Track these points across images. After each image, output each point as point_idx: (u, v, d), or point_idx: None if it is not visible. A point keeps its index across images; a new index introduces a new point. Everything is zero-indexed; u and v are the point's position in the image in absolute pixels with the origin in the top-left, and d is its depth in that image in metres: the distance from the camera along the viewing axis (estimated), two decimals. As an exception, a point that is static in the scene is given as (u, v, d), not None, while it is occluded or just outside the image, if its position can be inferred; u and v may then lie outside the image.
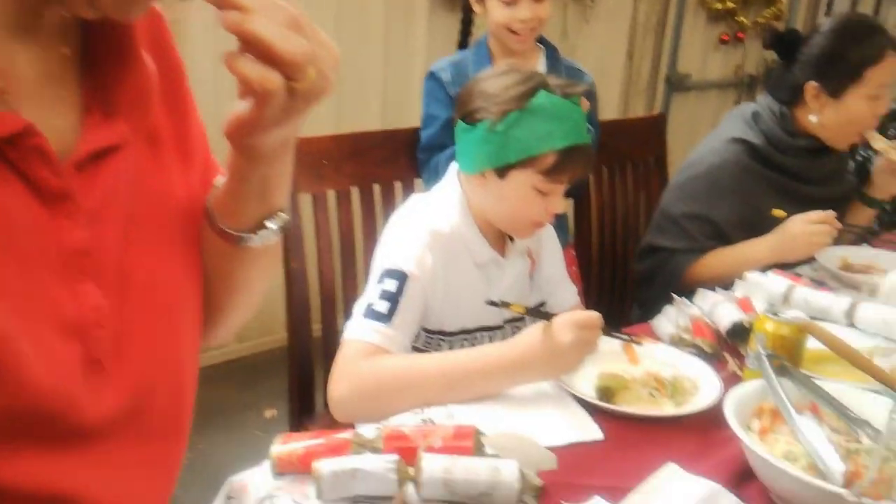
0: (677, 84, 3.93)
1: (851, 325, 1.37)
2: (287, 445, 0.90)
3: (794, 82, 1.71)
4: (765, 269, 1.57)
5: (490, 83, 1.25)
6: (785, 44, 1.74)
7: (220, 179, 0.71)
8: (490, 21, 1.79)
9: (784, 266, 1.64)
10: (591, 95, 1.96)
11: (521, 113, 1.19)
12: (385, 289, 1.19)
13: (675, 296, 1.43)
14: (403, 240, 1.26)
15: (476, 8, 1.84)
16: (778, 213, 1.63)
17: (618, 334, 1.19)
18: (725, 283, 1.62)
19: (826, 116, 1.69)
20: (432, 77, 1.79)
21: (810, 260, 1.72)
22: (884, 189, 1.88)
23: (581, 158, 1.24)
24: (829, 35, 1.68)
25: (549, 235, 1.47)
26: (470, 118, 1.25)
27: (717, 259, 1.71)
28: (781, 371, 1.02)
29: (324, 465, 0.85)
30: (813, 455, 0.86)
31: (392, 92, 2.88)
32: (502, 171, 1.23)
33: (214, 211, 0.70)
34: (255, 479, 0.91)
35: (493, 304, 1.20)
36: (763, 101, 1.79)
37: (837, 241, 1.86)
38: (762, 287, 1.49)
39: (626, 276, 2.10)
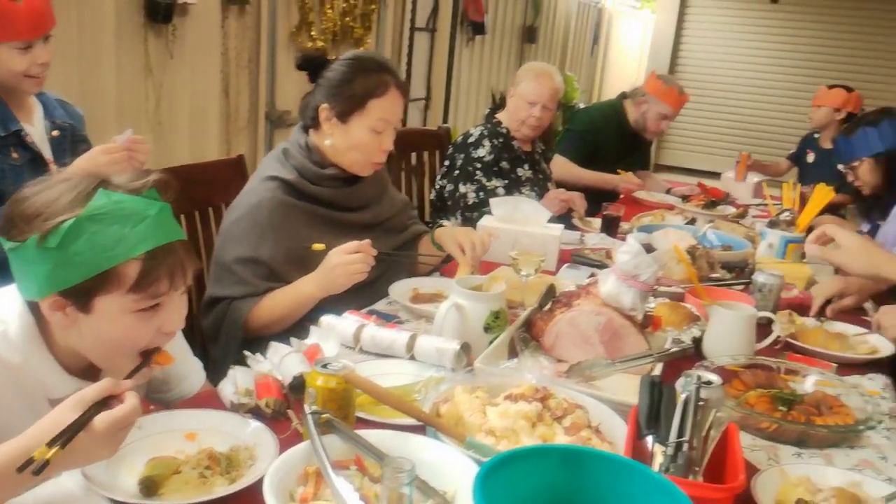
0: (278, 121, 3.96)
1: (413, 357, 1.46)
2: None
3: (314, 104, 1.81)
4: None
5: (35, 199, 1.02)
6: (314, 67, 1.84)
7: None
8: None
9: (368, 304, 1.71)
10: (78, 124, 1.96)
11: (77, 221, 0.98)
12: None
13: (246, 353, 1.38)
14: None
15: None
16: (317, 247, 1.67)
17: None
18: (288, 324, 1.66)
19: (336, 140, 1.80)
20: None
21: (385, 295, 1.82)
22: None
23: (176, 260, 1.06)
24: (345, 63, 1.81)
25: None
26: (15, 236, 1.01)
27: (275, 300, 1.70)
28: (328, 427, 1.02)
29: None
30: (347, 515, 0.87)
31: None
32: (82, 302, 1.02)
33: None
34: None
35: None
36: (293, 137, 1.87)
37: (411, 270, 2.01)
38: (334, 330, 1.52)
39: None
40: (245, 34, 3.67)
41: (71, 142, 1.94)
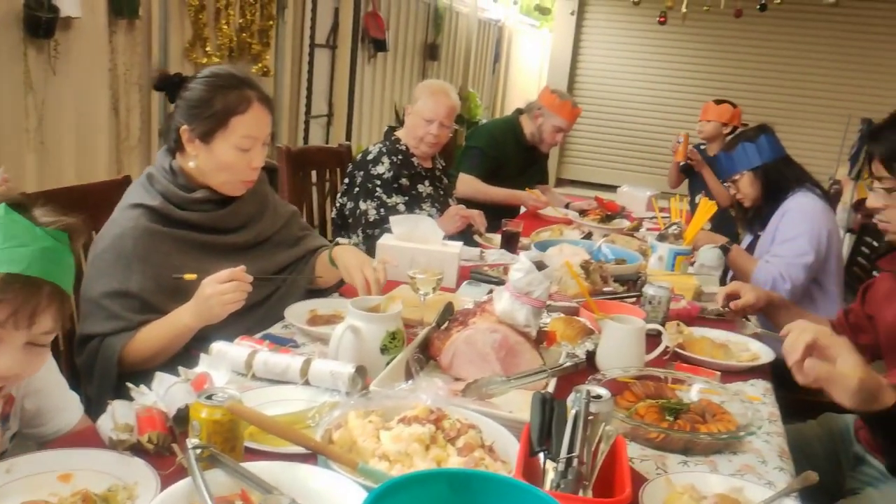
0: (173, 138, 3.84)
1: (307, 382, 1.43)
2: None
3: (175, 126, 1.73)
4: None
5: None
6: (170, 86, 1.76)
7: None
8: None
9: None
10: None
11: None
12: None
13: (130, 385, 1.32)
14: None
15: None
16: (188, 277, 1.59)
17: None
18: (167, 356, 1.59)
19: (201, 161, 1.72)
20: None
21: (280, 318, 1.78)
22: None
23: (33, 300, 1.00)
24: (202, 81, 1.72)
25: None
26: None
27: (150, 334, 1.60)
28: (212, 461, 0.98)
29: None
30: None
31: None
32: None
33: None
34: None
35: None
36: (157, 161, 1.79)
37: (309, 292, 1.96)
38: (226, 357, 1.47)
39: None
40: (135, 49, 3.54)
41: None
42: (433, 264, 1.88)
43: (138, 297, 1.62)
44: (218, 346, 1.49)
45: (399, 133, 2.97)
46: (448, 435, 1.15)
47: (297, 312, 1.80)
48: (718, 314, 2.07)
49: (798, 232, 2.49)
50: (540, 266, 1.54)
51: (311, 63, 5.02)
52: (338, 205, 2.90)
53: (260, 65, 4.34)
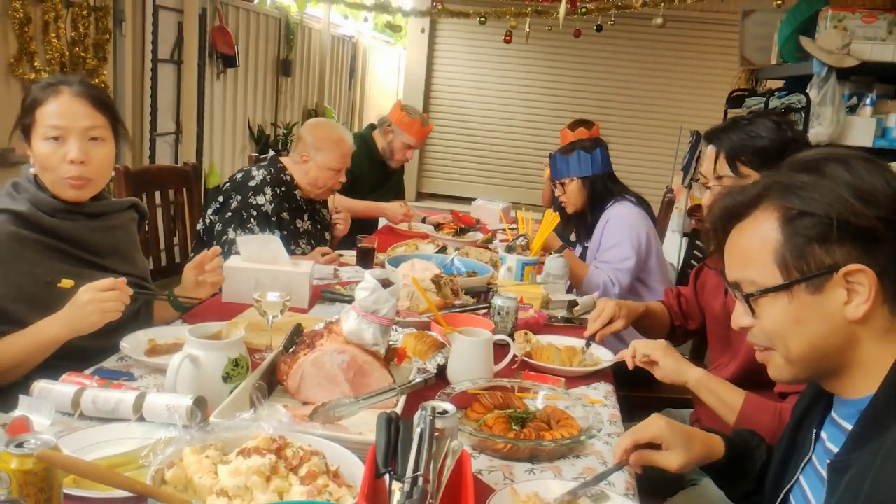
0: (1, 159, 3.53)
1: (141, 418, 1.34)
2: None
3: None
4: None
5: None
6: None
7: None
8: None
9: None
10: None
11: None
12: None
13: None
14: None
15: None
16: (65, 282, 1.57)
17: None
18: (24, 371, 1.54)
19: (36, 167, 1.70)
20: None
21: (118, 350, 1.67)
22: (194, 293, 1.91)
23: None
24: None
25: None
26: None
27: (8, 345, 1.54)
28: (20, 516, 0.90)
29: None
30: None
31: None
32: None
33: None
34: None
35: None
36: (23, 171, 1.76)
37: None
38: (49, 396, 1.35)
39: None
40: (-50, 64, 3.24)
41: None
42: (283, 286, 1.83)
43: None
44: (41, 385, 1.37)
45: (285, 161, 2.85)
46: (290, 464, 1.12)
47: (135, 343, 1.69)
48: (567, 320, 2.15)
49: (619, 239, 2.69)
50: (385, 284, 1.53)
51: (154, 79, 4.79)
52: (207, 221, 2.72)
53: (97, 80, 4.09)
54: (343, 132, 2.91)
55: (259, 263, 2.13)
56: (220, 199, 2.72)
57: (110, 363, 1.64)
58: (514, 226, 2.88)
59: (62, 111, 1.66)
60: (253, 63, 6.35)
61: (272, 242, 2.21)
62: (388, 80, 10.31)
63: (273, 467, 1.10)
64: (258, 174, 2.72)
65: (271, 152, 2.99)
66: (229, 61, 5.64)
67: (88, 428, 1.32)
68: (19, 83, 3.66)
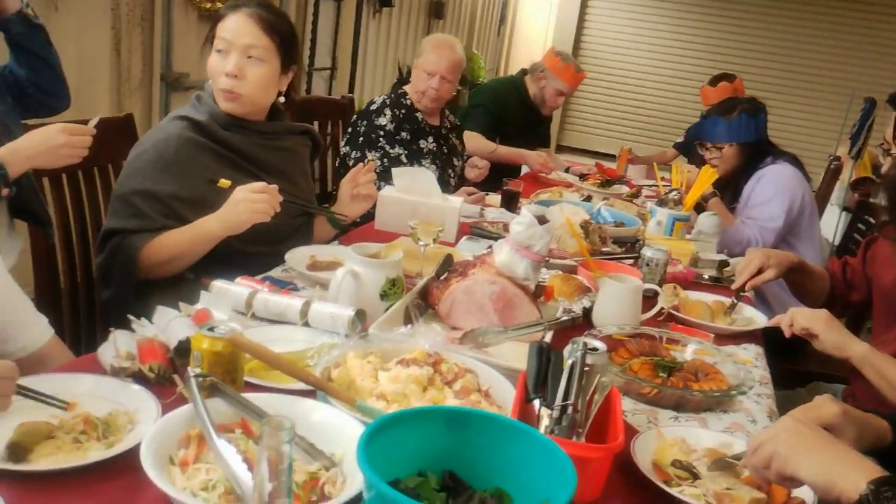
0: (174, 83, 3.78)
1: (307, 323, 1.44)
2: None
3: None
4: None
5: None
6: None
7: None
8: None
9: (259, 272, 1.68)
10: None
11: None
12: None
13: (131, 317, 1.33)
14: None
15: None
16: (223, 182, 1.68)
17: None
18: (183, 264, 1.69)
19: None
20: None
21: (282, 262, 1.79)
22: (347, 210, 2.01)
23: None
24: None
25: None
26: None
27: (173, 237, 1.68)
28: (213, 390, 1.00)
29: None
30: (230, 478, 0.85)
31: None
32: None
33: None
34: None
35: None
36: (207, 84, 1.87)
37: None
38: (226, 295, 1.48)
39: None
40: (138, -11, 3.48)
41: None
42: (434, 217, 1.88)
43: (166, 203, 1.70)
44: (219, 285, 1.50)
45: (407, 88, 2.96)
46: (445, 378, 1.17)
47: (298, 257, 1.80)
48: (715, 279, 2.09)
49: (770, 196, 2.57)
50: (541, 220, 1.54)
51: (315, 14, 4.94)
52: (341, 153, 2.88)
53: (264, 12, 4.26)
54: (451, 41, 2.97)
55: (412, 194, 2.19)
56: (350, 130, 2.87)
57: (276, 273, 1.76)
58: (666, 183, 2.79)
59: (231, 27, 1.77)
60: (407, 4, 6.41)
61: (425, 175, 2.26)
62: (536, 27, 10.12)
63: (430, 378, 1.15)
64: (378, 100, 2.90)
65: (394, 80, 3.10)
66: (385, 0, 5.72)
67: (258, 327, 1.43)
68: (196, 12, 3.89)
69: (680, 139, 4.73)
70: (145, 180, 1.70)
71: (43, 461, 0.93)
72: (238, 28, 1.77)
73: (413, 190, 2.22)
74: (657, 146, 7.43)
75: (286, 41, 1.85)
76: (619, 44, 8.04)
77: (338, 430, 1.00)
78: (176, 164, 1.72)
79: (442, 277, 1.61)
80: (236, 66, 1.76)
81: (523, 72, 3.83)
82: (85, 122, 1.68)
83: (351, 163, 2.80)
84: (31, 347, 1.27)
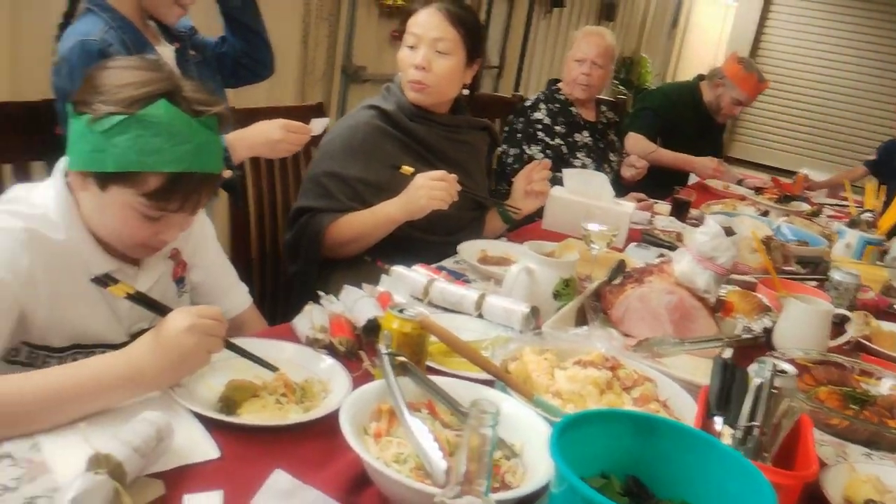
0: (353, 76, 3.97)
1: (480, 315, 1.47)
2: None
3: None
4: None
5: (110, 74, 1.07)
6: None
7: None
8: None
9: (432, 261, 1.73)
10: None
11: (128, 119, 1.03)
12: (-35, 295, 0.99)
13: (320, 293, 1.41)
14: None
15: None
16: (405, 169, 1.75)
17: None
18: (364, 245, 1.78)
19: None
20: (86, 48, 1.53)
21: (453, 253, 1.83)
22: (519, 206, 2.04)
23: (197, 188, 1.10)
24: None
25: (203, 233, 1.35)
26: (78, 105, 1.07)
27: (356, 219, 1.79)
28: (402, 369, 1.04)
29: None
30: (420, 455, 0.88)
31: (24, 57, 2.48)
32: (102, 182, 1.07)
33: None
34: None
35: (97, 280, 1.04)
36: (396, 77, 1.96)
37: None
38: (405, 280, 1.54)
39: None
40: (327, -17, 3.67)
41: (195, 50, 1.90)
42: (605, 221, 1.86)
43: (352, 186, 1.81)
44: (398, 270, 1.56)
45: (560, 84, 2.99)
46: (624, 384, 1.15)
47: (470, 250, 1.84)
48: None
49: None
50: (728, 232, 1.49)
51: (488, 13, 5.01)
52: (498, 152, 2.90)
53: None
54: (600, 29, 3.03)
55: (583, 197, 2.18)
56: (507, 129, 2.92)
57: (448, 263, 1.80)
58: (858, 204, 2.59)
59: (421, 21, 1.85)
60: (578, 4, 6.35)
61: (597, 178, 2.24)
62: (710, 33, 9.70)
63: (608, 382, 1.14)
64: (532, 97, 2.97)
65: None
66: (557, 1, 5.70)
67: (434, 314, 1.47)
68: (378, 8, 4.05)
69: (871, 157, 4.39)
70: (334, 163, 1.81)
71: (249, 416, 1.01)
72: (427, 22, 1.85)
73: (584, 192, 2.21)
74: (839, 164, 6.92)
75: (472, 34, 1.90)
76: (802, 51, 7.56)
77: (518, 421, 1.01)
78: (363, 149, 1.82)
79: (615, 282, 1.59)
80: (424, 59, 1.84)
81: (700, 77, 3.70)
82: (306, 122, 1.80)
83: (510, 160, 2.83)
84: (232, 312, 1.38)
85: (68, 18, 1.65)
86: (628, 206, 2.20)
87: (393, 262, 1.68)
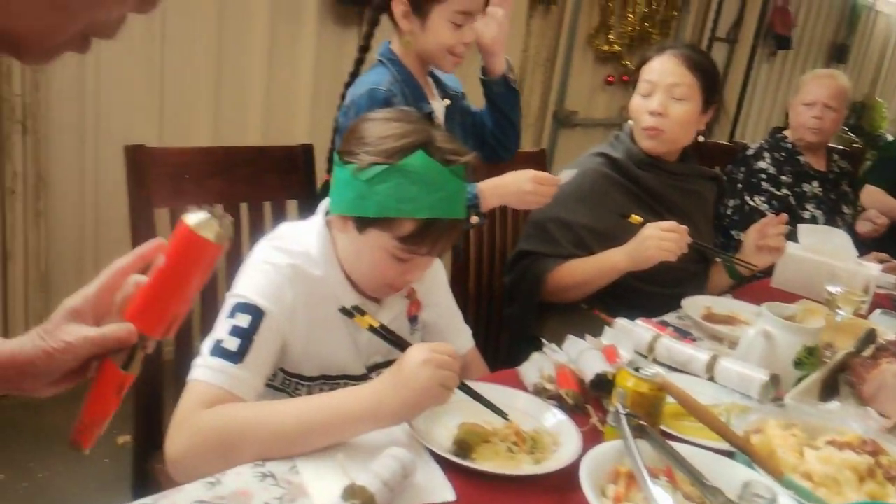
0: (564, 120, 4.00)
1: (712, 378, 1.39)
2: None
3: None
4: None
5: (372, 126, 1.16)
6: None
7: None
8: (429, 41, 1.67)
9: (651, 314, 1.67)
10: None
11: (390, 168, 1.10)
12: (237, 324, 1.10)
13: (543, 340, 1.41)
14: (262, 271, 1.16)
15: (403, 25, 1.67)
16: (635, 218, 1.70)
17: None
18: (584, 292, 1.75)
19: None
20: (373, 95, 1.62)
21: (676, 308, 1.76)
22: (755, 260, 1.91)
23: (445, 233, 1.16)
24: None
25: (436, 275, 1.41)
26: (344, 155, 1.17)
27: (579, 265, 1.77)
28: (639, 432, 1.00)
29: None
30: (664, 526, 0.84)
31: (276, 105, 2.76)
32: (361, 225, 1.15)
33: None
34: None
35: (344, 311, 1.13)
36: (625, 125, 1.95)
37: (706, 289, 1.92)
38: (629, 334, 1.49)
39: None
40: (546, 33, 3.75)
41: (459, 112, 1.91)
42: (849, 284, 1.70)
43: (577, 231, 1.82)
44: (622, 323, 1.52)
45: (786, 132, 2.77)
46: (888, 472, 1.03)
47: (694, 305, 1.76)
48: None
49: None
50: None
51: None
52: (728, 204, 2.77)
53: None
54: (831, 71, 2.82)
55: (820, 255, 2.01)
56: (727, 179, 2.70)
57: (671, 318, 1.73)
58: None
59: (657, 67, 1.83)
60: (805, 46, 5.97)
61: (837, 235, 2.07)
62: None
63: (869, 469, 1.02)
64: (754, 145, 2.79)
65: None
66: (783, 43, 5.39)
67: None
68: (593, 53, 4.07)
69: None
70: (561, 209, 1.81)
71: (483, 462, 1.02)
72: (663, 68, 1.82)
73: (821, 250, 2.04)
74: None
75: (708, 78, 1.85)
76: None
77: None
78: (591, 197, 1.82)
79: (865, 354, 1.44)
80: (660, 105, 1.82)
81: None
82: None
83: (728, 211, 2.68)
84: (458, 352, 1.42)
85: (358, 68, 1.78)
86: (874, 268, 1.99)
87: (609, 310, 1.66)
